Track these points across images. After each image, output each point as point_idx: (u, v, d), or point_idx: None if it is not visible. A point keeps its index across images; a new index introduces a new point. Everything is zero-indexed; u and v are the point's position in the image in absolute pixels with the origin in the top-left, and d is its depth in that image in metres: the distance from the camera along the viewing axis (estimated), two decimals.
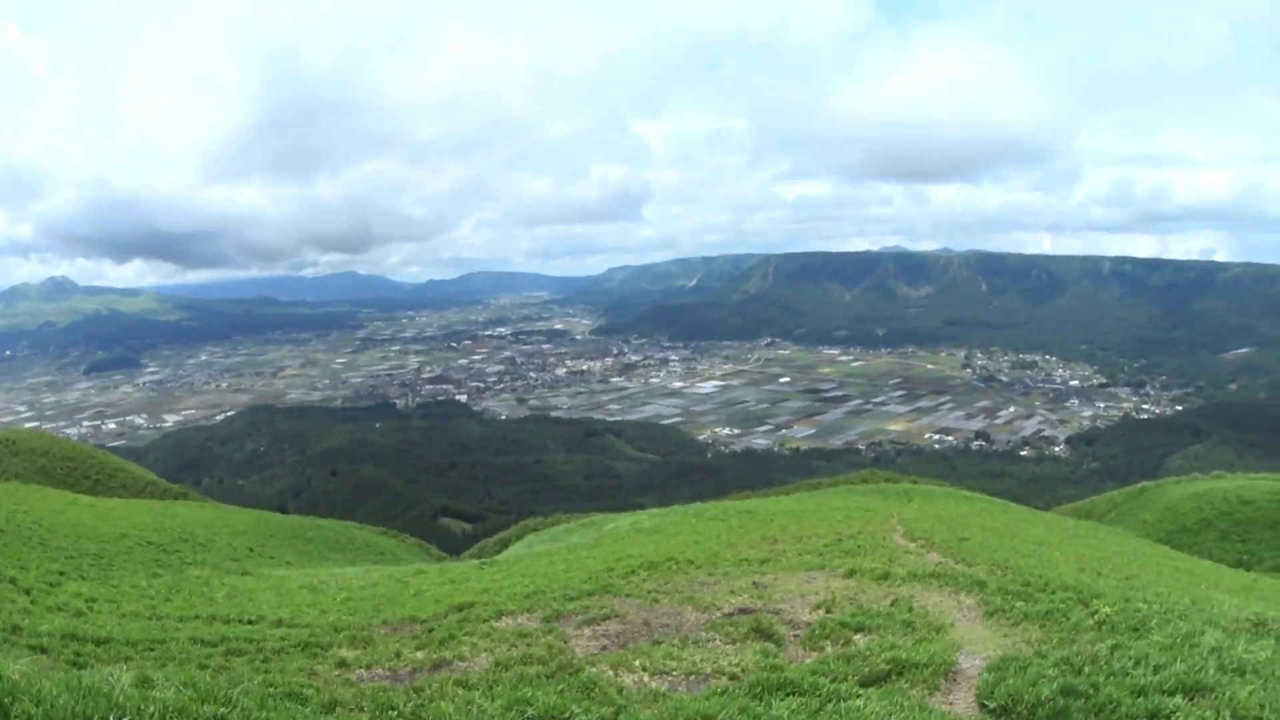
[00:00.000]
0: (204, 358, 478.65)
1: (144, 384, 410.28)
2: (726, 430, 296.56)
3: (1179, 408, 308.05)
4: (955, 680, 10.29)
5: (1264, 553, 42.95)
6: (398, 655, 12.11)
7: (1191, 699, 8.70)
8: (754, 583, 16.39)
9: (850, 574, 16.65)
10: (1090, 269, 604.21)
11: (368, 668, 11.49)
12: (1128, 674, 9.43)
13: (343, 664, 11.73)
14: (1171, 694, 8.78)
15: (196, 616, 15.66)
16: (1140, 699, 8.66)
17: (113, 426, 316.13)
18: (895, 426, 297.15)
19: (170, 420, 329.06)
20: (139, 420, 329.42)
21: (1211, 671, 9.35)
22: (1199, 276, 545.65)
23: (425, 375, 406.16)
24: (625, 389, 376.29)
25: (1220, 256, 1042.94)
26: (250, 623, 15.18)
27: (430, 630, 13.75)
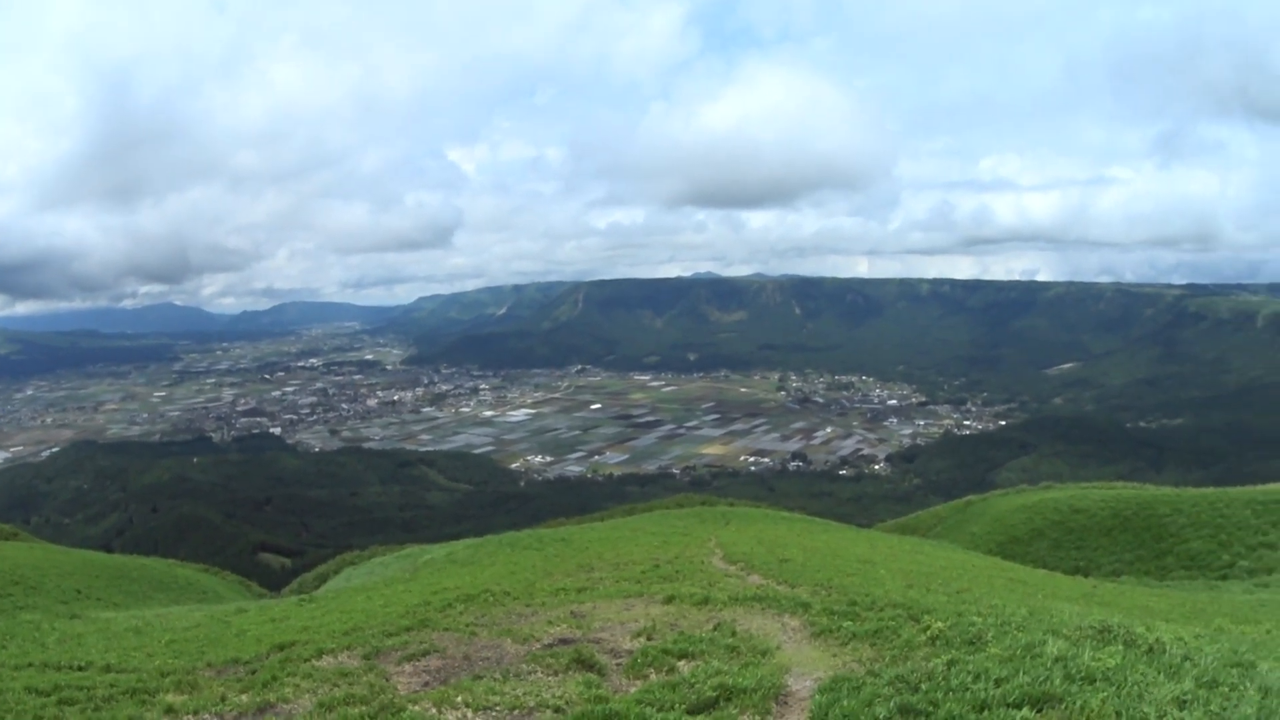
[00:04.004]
0: (30, 392, 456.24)
1: None
2: (539, 458, 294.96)
3: (1003, 423, 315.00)
4: (786, 704, 9.98)
5: (1101, 559, 42.00)
6: (223, 699, 11.91)
7: (1039, 710, 8.45)
8: (572, 612, 16.23)
9: (670, 600, 16.54)
10: (908, 291, 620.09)
11: (194, 713, 11.32)
12: (967, 689, 9.09)
13: (170, 710, 11.53)
14: (1018, 706, 8.52)
15: (30, 664, 15.18)
16: (984, 713, 8.45)
17: None
18: (710, 450, 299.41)
19: None
20: None
21: (1058, 681, 9.04)
22: (1020, 296, 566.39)
23: (240, 408, 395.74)
24: (436, 419, 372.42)
25: (1043, 277, 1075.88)
26: (80, 669, 14.74)
27: (253, 671, 13.40)
